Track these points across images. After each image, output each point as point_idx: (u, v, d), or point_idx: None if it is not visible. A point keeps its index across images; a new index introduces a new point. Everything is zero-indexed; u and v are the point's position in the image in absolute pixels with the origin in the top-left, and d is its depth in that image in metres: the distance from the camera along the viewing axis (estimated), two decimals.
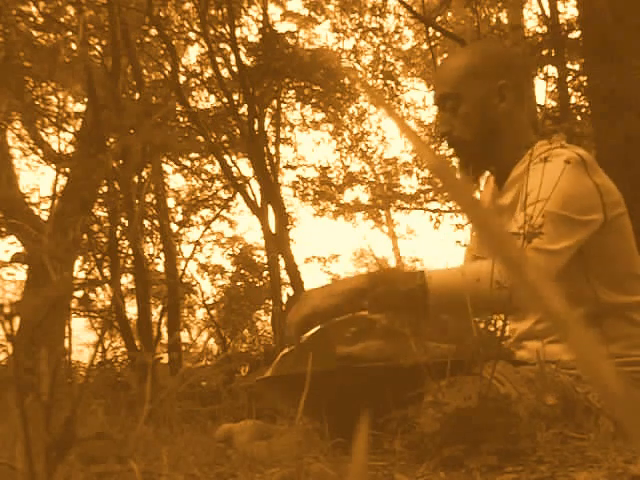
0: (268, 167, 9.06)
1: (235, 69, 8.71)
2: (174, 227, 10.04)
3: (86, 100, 8.05)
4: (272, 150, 10.27)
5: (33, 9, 7.63)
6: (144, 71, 8.61)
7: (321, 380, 1.27)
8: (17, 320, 0.58)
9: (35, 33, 7.72)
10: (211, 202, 10.67)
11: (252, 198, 8.66)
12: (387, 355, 1.36)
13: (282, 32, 9.17)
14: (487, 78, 1.66)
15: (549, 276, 1.39)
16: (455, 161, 1.75)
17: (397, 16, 11.04)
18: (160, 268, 9.61)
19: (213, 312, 10.61)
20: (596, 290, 1.56)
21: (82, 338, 10.90)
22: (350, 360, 1.38)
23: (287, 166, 11.45)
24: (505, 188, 1.68)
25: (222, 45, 9.03)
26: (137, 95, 7.98)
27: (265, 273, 10.36)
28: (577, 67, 6.41)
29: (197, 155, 9.94)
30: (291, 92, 10.43)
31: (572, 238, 1.47)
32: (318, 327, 1.57)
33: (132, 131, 5.99)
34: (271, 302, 9.43)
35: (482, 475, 0.99)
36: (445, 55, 10.22)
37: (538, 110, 5.97)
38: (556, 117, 6.06)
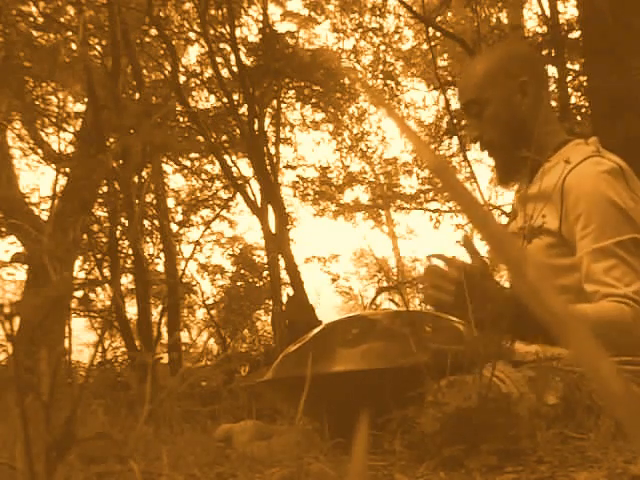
0: (268, 167, 9.06)
1: (235, 69, 8.71)
2: (174, 227, 10.04)
3: (86, 100, 8.04)
4: (272, 150, 10.27)
5: (33, 9, 7.62)
6: (144, 71, 8.60)
7: (322, 382, 1.27)
8: (17, 320, 0.58)
9: (35, 33, 7.72)
10: (211, 202, 10.67)
11: (252, 198, 8.66)
12: (389, 356, 1.36)
13: (282, 32, 9.17)
14: (506, 78, 1.70)
15: None
16: (492, 165, 1.79)
17: (397, 16, 11.04)
18: (160, 268, 9.61)
19: (213, 312, 10.60)
20: None
21: (82, 338, 10.89)
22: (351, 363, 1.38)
23: (287, 166, 11.45)
24: (536, 179, 1.70)
25: (222, 45, 9.03)
26: (137, 95, 7.98)
27: (265, 273, 10.35)
28: (577, 67, 6.40)
29: (197, 155, 9.93)
30: (291, 92, 10.42)
31: None
32: (319, 328, 1.57)
33: (132, 131, 5.99)
34: (271, 302, 9.42)
35: (482, 475, 0.99)
36: (445, 55, 10.24)
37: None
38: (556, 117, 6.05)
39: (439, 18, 8.54)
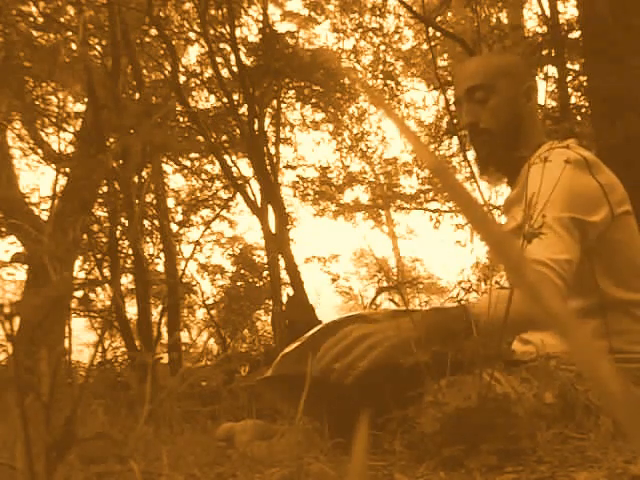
0: (268, 167, 9.06)
1: (235, 69, 8.71)
2: (174, 227, 10.04)
3: (86, 100, 8.05)
4: (272, 150, 10.27)
5: (33, 9, 7.63)
6: (144, 71, 8.60)
7: (321, 380, 1.27)
8: (17, 320, 0.58)
9: (35, 33, 7.72)
10: (211, 202, 10.67)
11: (252, 198, 8.66)
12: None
13: (282, 32, 9.17)
14: (518, 78, 1.76)
15: (568, 285, 1.42)
16: (474, 156, 1.78)
17: (397, 16, 11.04)
18: (160, 268, 9.61)
19: (213, 312, 10.60)
20: (600, 284, 1.57)
21: (82, 338, 10.89)
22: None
23: (287, 166, 11.45)
24: (516, 183, 1.73)
25: (222, 45, 9.03)
26: (137, 95, 7.98)
27: (265, 273, 10.36)
28: (577, 67, 6.40)
29: (197, 155, 9.93)
30: (291, 92, 10.43)
31: (582, 240, 1.50)
32: (319, 327, 1.57)
33: (132, 131, 5.99)
34: (271, 302, 9.42)
35: (482, 475, 0.99)
36: (445, 55, 10.23)
37: (538, 110, 5.96)
38: (556, 117, 6.06)
39: (439, 18, 8.54)
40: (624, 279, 1.60)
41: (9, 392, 0.57)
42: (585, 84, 5.65)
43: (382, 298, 10.30)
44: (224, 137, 9.38)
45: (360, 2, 10.96)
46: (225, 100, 8.86)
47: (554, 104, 6.67)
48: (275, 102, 10.35)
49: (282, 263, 8.61)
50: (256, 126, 8.91)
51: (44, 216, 8.06)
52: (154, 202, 9.00)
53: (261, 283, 10.69)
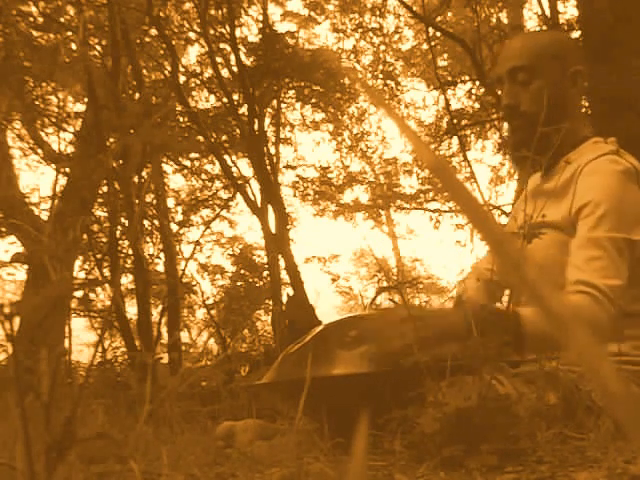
0: (268, 167, 9.05)
1: (235, 69, 8.71)
2: (174, 227, 10.03)
3: (86, 100, 8.05)
4: (272, 150, 10.27)
5: (33, 9, 7.63)
6: (144, 71, 8.60)
7: (320, 385, 1.27)
8: (17, 320, 0.58)
9: (35, 33, 7.72)
10: (211, 202, 10.67)
11: (252, 198, 8.66)
12: (388, 357, 1.36)
13: (282, 32, 9.17)
14: (564, 61, 1.70)
15: (620, 310, 1.43)
16: (510, 139, 1.73)
17: (397, 16, 11.03)
18: (160, 268, 9.60)
19: (213, 312, 10.60)
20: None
21: (82, 338, 10.88)
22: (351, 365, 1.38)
23: (287, 166, 11.45)
24: (553, 172, 1.68)
25: (222, 45, 9.03)
26: (137, 95, 7.98)
27: (265, 273, 10.35)
28: None
29: (197, 155, 9.93)
30: (291, 92, 10.42)
31: (631, 260, 1.50)
32: (319, 328, 1.57)
33: (132, 131, 5.99)
34: (271, 302, 9.42)
35: (482, 475, 0.99)
36: (445, 55, 10.23)
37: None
38: None
39: (439, 18, 8.54)
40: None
41: (9, 392, 0.57)
42: (585, 84, 5.64)
43: (382, 298, 10.28)
44: (224, 137, 9.37)
45: (360, 2, 10.95)
46: (225, 100, 8.85)
47: None
48: (275, 102, 10.34)
49: (282, 263, 8.61)
50: (256, 126, 8.91)
51: (44, 216, 8.06)
52: (154, 202, 8.99)
53: (261, 283, 10.69)
